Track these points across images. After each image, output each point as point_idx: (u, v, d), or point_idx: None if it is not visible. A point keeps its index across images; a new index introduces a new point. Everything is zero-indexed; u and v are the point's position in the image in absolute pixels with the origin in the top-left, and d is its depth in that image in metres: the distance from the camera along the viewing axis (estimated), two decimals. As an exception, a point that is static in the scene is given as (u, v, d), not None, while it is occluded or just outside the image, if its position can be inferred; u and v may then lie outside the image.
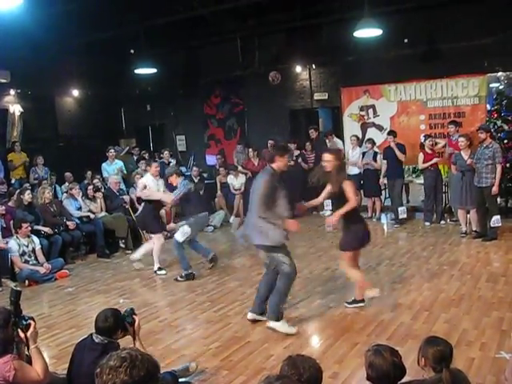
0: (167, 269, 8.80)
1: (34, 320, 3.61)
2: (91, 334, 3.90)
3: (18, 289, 3.79)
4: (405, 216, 11.24)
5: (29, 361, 3.54)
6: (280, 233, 5.75)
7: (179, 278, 8.14)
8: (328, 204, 9.23)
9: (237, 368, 4.95)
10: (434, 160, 10.58)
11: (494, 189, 9.03)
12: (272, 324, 5.81)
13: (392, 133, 11.22)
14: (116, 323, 3.86)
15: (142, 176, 11.66)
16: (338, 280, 7.32)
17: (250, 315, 6.14)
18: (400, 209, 11.18)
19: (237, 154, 14.25)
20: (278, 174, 5.98)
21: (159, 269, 8.70)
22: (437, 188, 10.76)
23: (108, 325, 3.81)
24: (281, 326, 5.77)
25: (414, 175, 14.78)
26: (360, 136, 12.44)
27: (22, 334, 3.51)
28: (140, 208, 9.65)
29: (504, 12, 10.74)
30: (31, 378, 3.42)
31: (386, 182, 11.69)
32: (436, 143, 10.91)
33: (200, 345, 5.58)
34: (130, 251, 10.21)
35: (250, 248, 10.09)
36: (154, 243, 8.88)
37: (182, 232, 8.17)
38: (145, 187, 8.85)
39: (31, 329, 3.53)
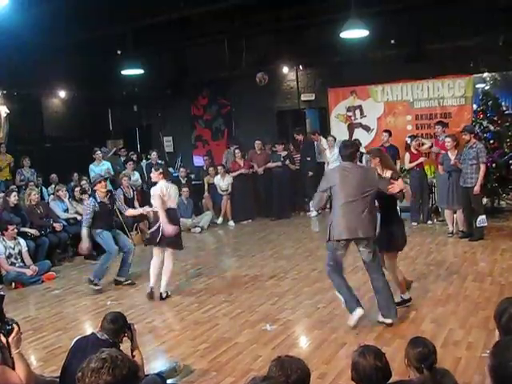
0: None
1: (17, 325, 3.54)
2: (93, 333, 3.96)
3: (2, 293, 3.74)
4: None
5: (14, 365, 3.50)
6: None
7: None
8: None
9: (225, 369, 4.94)
10: (421, 159, 10.63)
11: (476, 188, 9.06)
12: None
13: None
14: (123, 326, 3.96)
15: (129, 178, 11.67)
16: (325, 281, 7.31)
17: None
18: None
19: (227, 155, 14.19)
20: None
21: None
22: (423, 188, 10.81)
23: (117, 326, 3.90)
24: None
25: (400, 175, 14.84)
26: (347, 136, 12.46)
27: (3, 339, 3.46)
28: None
29: (489, 13, 10.82)
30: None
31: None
32: (422, 143, 10.96)
33: (188, 346, 5.56)
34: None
35: (237, 249, 10.16)
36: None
37: None
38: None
39: (13, 333, 3.46)
